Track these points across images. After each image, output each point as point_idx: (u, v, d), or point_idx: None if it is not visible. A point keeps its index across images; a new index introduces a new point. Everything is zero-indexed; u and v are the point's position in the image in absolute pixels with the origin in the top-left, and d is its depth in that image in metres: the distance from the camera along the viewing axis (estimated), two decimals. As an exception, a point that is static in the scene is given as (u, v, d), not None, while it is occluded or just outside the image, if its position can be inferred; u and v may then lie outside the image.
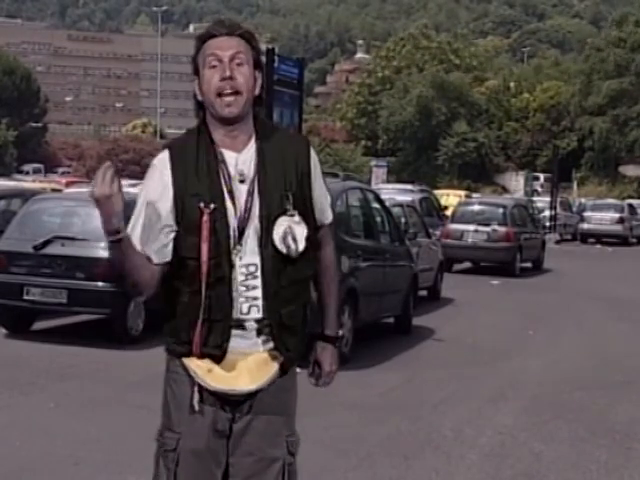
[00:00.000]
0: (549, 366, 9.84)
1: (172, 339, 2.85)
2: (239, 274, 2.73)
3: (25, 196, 13.00)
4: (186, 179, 2.72)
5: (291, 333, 2.82)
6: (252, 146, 2.79)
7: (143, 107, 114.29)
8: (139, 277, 2.74)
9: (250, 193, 2.74)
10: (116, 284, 9.80)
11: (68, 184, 29.04)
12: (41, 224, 10.44)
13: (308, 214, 2.81)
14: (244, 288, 2.74)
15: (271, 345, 2.80)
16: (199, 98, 2.79)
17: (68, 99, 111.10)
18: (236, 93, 2.72)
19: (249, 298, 2.75)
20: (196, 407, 2.80)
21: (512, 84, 75.24)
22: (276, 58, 13.68)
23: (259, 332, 2.78)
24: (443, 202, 26.65)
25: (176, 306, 2.81)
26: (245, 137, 2.79)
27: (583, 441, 6.78)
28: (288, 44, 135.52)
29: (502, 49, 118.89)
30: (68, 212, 10.65)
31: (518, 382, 8.96)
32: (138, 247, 2.72)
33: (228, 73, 2.71)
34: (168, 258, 2.75)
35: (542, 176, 57.48)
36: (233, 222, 2.72)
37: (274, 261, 2.74)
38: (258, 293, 2.75)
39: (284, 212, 2.74)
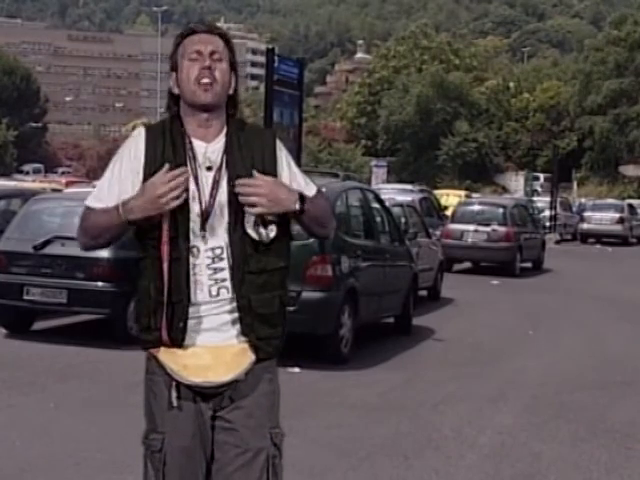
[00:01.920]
0: (549, 366, 9.84)
1: (141, 326, 2.88)
2: (205, 257, 2.80)
3: (25, 196, 13.00)
4: (155, 158, 2.82)
5: (263, 321, 2.84)
6: (222, 138, 2.89)
7: (143, 107, 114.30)
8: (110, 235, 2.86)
9: (216, 180, 2.83)
10: (116, 284, 9.81)
11: (68, 184, 29.03)
12: (41, 224, 10.44)
13: None
14: (212, 271, 2.81)
15: (243, 335, 2.83)
16: (175, 91, 2.90)
17: (68, 99, 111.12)
18: (214, 82, 2.84)
19: (218, 280, 2.81)
20: (174, 403, 2.83)
21: (512, 84, 75.24)
22: (276, 58, 13.66)
23: (233, 322, 2.82)
24: (443, 202, 26.66)
25: (143, 290, 2.86)
26: (216, 129, 2.89)
27: (583, 441, 6.78)
28: (288, 44, 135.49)
29: (502, 49, 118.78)
30: (68, 212, 10.63)
31: (518, 382, 8.96)
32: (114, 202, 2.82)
33: (208, 63, 2.84)
34: None
35: (542, 176, 57.44)
36: (196, 207, 2.80)
37: (242, 245, 2.81)
38: (226, 274, 2.81)
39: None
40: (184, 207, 2.76)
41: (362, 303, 9.80)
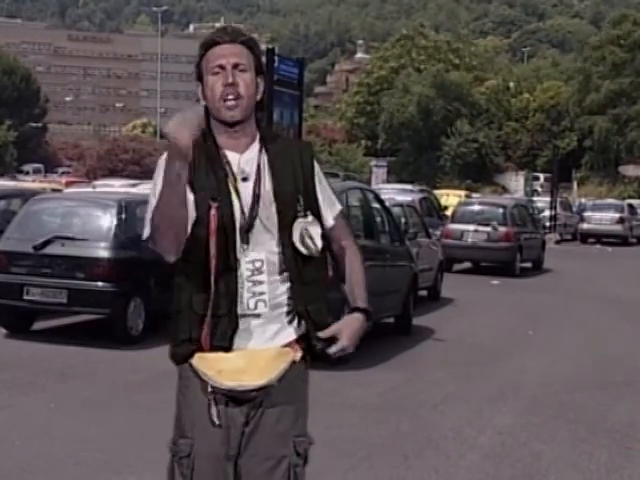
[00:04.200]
0: (549, 366, 9.84)
1: (179, 340, 2.85)
2: (245, 270, 2.79)
3: (25, 196, 13.00)
4: (195, 174, 2.78)
5: (319, 328, 2.91)
6: (255, 147, 2.86)
7: (143, 107, 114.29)
8: (180, 224, 2.72)
9: (255, 192, 2.81)
10: (116, 284, 9.82)
11: (68, 184, 29.02)
12: (41, 224, 10.44)
13: (317, 214, 2.89)
14: (251, 284, 2.80)
15: (281, 340, 2.84)
16: (202, 103, 2.87)
17: (68, 99, 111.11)
18: (238, 98, 2.80)
19: (256, 293, 2.81)
20: (216, 421, 2.82)
21: (512, 84, 75.23)
22: (276, 58, 13.68)
23: (268, 326, 2.83)
24: (443, 202, 26.65)
25: (181, 306, 2.84)
26: (248, 139, 2.86)
27: (583, 441, 6.78)
28: (288, 44, 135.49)
29: (502, 49, 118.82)
30: (68, 212, 10.66)
31: (518, 382, 8.96)
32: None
33: (231, 79, 2.80)
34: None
35: (542, 176, 57.47)
36: (240, 218, 2.78)
37: (294, 258, 2.82)
38: (264, 288, 2.81)
39: (297, 214, 2.81)
40: (229, 217, 2.76)
41: (362, 303, 9.78)
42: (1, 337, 10.32)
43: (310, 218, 2.81)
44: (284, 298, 2.85)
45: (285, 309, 2.85)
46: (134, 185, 25.00)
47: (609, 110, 65.24)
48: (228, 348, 2.79)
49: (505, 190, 65.03)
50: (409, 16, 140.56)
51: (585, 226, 34.20)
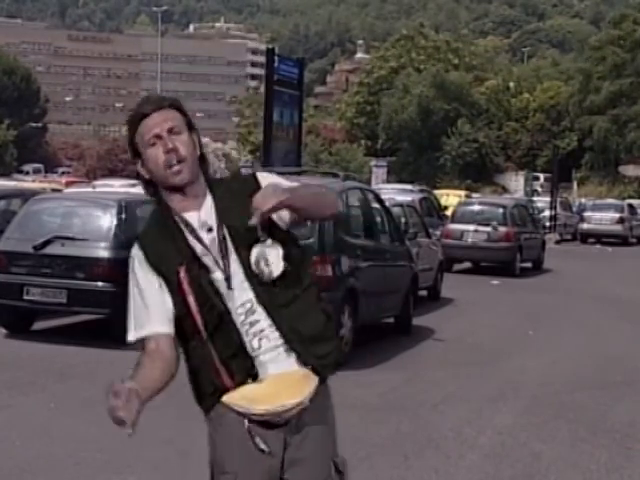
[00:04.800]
0: (549, 366, 9.84)
1: (204, 396, 2.90)
2: (238, 315, 2.80)
3: (25, 196, 13.00)
4: (159, 254, 2.88)
5: (318, 341, 2.87)
6: (208, 200, 2.88)
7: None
8: (169, 376, 2.91)
9: (221, 240, 2.83)
10: (116, 284, 9.81)
11: (68, 184, 29.02)
12: (41, 224, 10.44)
13: (279, 231, 2.85)
14: (248, 326, 2.81)
15: (303, 364, 2.85)
16: (145, 177, 2.89)
17: (68, 99, 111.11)
18: (182, 161, 2.82)
19: (256, 333, 2.81)
20: (264, 448, 2.83)
21: (512, 84, 75.24)
22: (276, 58, 13.69)
23: (287, 354, 2.83)
24: (443, 202, 26.63)
25: (195, 365, 2.89)
26: (199, 194, 2.88)
27: (583, 441, 6.78)
28: (288, 44, 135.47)
29: (502, 49, 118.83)
30: (68, 212, 10.66)
31: (518, 382, 8.96)
32: (149, 331, 2.99)
33: (170, 145, 2.81)
34: (172, 319, 2.89)
35: (542, 176, 57.48)
36: (214, 269, 2.81)
37: (267, 289, 2.81)
38: (263, 325, 2.81)
39: (256, 241, 2.79)
40: (203, 271, 2.79)
41: (362, 303, 9.80)
42: (1, 337, 10.32)
43: (269, 242, 2.78)
44: (272, 332, 2.83)
45: (276, 342, 2.83)
46: (134, 185, 24.99)
47: (609, 110, 65.23)
48: (254, 376, 2.80)
49: (505, 190, 65.04)
50: (409, 16, 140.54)
51: (585, 226, 34.20)
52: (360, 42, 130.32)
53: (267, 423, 2.83)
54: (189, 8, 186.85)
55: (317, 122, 74.18)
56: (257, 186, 2.86)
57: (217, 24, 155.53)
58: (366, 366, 9.24)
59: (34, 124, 75.76)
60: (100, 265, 9.87)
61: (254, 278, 2.78)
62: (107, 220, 10.24)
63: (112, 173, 49.19)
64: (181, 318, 2.85)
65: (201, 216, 2.85)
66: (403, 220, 14.08)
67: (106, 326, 10.19)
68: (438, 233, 18.82)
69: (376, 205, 11.61)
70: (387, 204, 12.33)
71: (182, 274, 2.80)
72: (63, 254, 9.97)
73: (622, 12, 73.15)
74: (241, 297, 2.80)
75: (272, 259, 2.77)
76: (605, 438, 6.87)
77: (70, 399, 7.53)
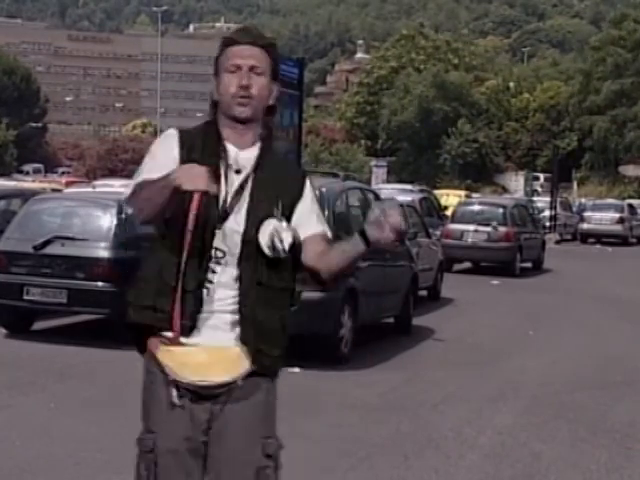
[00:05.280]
0: (549, 366, 9.84)
1: (141, 304, 2.89)
2: (213, 254, 2.81)
3: (25, 196, 13.00)
4: (190, 153, 2.84)
5: (263, 335, 2.84)
6: (255, 148, 2.90)
7: (143, 107, 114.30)
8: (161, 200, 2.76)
9: (242, 185, 2.84)
10: (116, 284, 9.81)
11: (68, 184, 29.02)
12: (41, 224, 10.44)
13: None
14: (211, 272, 2.81)
15: (242, 343, 2.83)
16: (214, 97, 2.92)
17: (68, 99, 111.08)
18: (250, 98, 2.84)
19: (215, 281, 2.81)
20: (176, 401, 2.82)
21: (512, 84, 75.25)
22: (276, 58, 13.66)
23: (233, 325, 2.82)
24: (443, 202, 26.62)
25: (147, 273, 2.88)
26: (250, 139, 2.90)
27: (583, 441, 6.78)
28: (288, 44, 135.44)
29: (502, 49, 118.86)
30: (68, 212, 10.65)
31: (518, 382, 8.96)
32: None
33: (245, 81, 2.83)
34: None
35: (542, 176, 57.46)
36: (221, 204, 2.81)
37: (254, 256, 2.80)
38: (227, 279, 2.81)
39: (272, 215, 2.81)
40: (212, 201, 2.78)
41: (362, 303, 9.80)
42: (1, 337, 10.31)
43: (284, 223, 2.80)
44: (232, 295, 2.82)
45: (230, 308, 2.82)
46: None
47: (609, 110, 65.22)
48: (192, 327, 2.78)
49: (505, 190, 65.04)
50: (409, 16, 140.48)
51: (585, 226, 34.20)
52: (360, 42, 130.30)
53: (193, 392, 2.83)
54: (189, 8, 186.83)
55: (317, 122, 74.24)
56: (300, 190, 2.92)
57: (217, 24, 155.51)
58: (366, 366, 9.24)
59: (34, 124, 75.76)
60: (100, 265, 9.87)
61: (250, 242, 2.79)
62: (107, 220, 10.24)
63: (112, 173, 49.16)
64: (171, 224, 2.80)
65: (239, 155, 2.86)
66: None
67: (106, 326, 10.20)
68: (438, 233, 18.81)
69: (376, 205, 11.58)
70: (387, 204, 12.30)
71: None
72: (63, 254, 9.97)
73: (622, 12, 73.09)
74: (226, 243, 2.80)
75: (285, 238, 2.78)
76: (605, 438, 6.87)
77: (70, 399, 7.53)
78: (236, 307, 2.81)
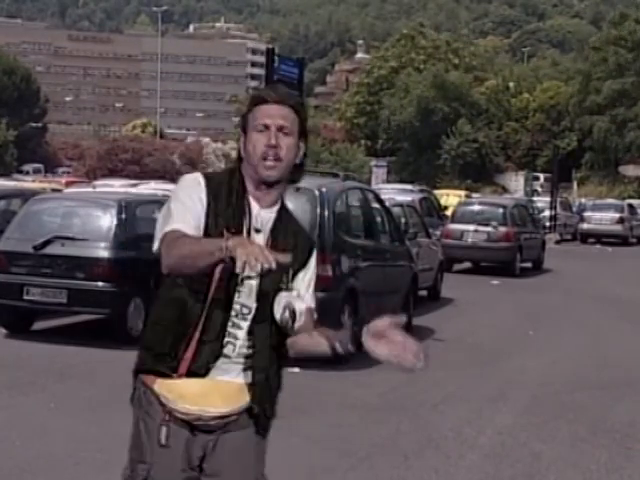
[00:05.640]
0: (549, 366, 9.84)
1: (156, 352, 2.86)
2: (233, 307, 2.81)
3: (25, 196, 13.00)
4: (217, 203, 2.81)
5: (270, 392, 2.90)
6: (275, 209, 2.89)
7: (143, 107, 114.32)
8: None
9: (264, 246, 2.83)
10: (116, 284, 9.81)
11: (68, 184, 29.03)
12: (41, 224, 10.44)
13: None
14: (231, 324, 2.82)
15: (252, 402, 2.85)
16: (241, 154, 2.89)
17: (68, 99, 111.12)
18: (278, 160, 2.82)
19: (231, 334, 2.82)
20: (162, 441, 2.82)
21: (512, 84, 75.25)
22: (276, 58, 13.69)
23: (240, 373, 2.84)
24: (443, 202, 26.64)
25: (165, 318, 2.85)
26: (272, 198, 2.89)
27: (583, 441, 6.78)
28: (288, 44, 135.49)
29: (502, 49, 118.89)
30: (68, 212, 10.66)
31: (518, 382, 8.96)
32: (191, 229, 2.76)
33: (274, 141, 2.81)
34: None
35: (542, 176, 57.46)
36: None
37: (267, 320, 2.82)
38: (240, 334, 2.82)
39: (280, 286, 2.82)
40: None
41: (362, 303, 9.80)
42: (1, 337, 10.31)
43: (295, 293, 2.82)
44: (247, 354, 2.84)
45: (243, 365, 2.84)
46: (134, 185, 25.01)
47: (609, 110, 65.23)
48: (204, 375, 2.80)
49: (505, 190, 65.04)
50: (409, 16, 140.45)
51: (585, 226, 34.19)
52: (360, 42, 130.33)
53: (189, 424, 2.83)
54: (189, 8, 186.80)
55: (317, 122, 74.19)
56: (308, 258, 2.95)
57: (217, 24, 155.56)
58: (366, 366, 9.21)
59: (34, 124, 75.74)
60: (100, 265, 9.87)
61: (264, 305, 2.80)
62: (107, 220, 10.24)
63: (112, 173, 49.10)
64: (199, 275, 2.77)
65: (260, 214, 2.85)
66: (403, 220, 14.07)
67: (106, 326, 10.20)
68: (438, 233, 18.81)
69: (376, 205, 11.60)
70: (387, 204, 12.32)
71: (226, 235, 2.73)
72: (63, 254, 9.97)
73: (622, 11, 73.01)
74: (244, 299, 2.81)
75: (297, 310, 2.78)
76: (605, 438, 6.87)
77: (70, 399, 7.53)
78: (250, 364, 2.83)
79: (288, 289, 2.83)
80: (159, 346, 2.84)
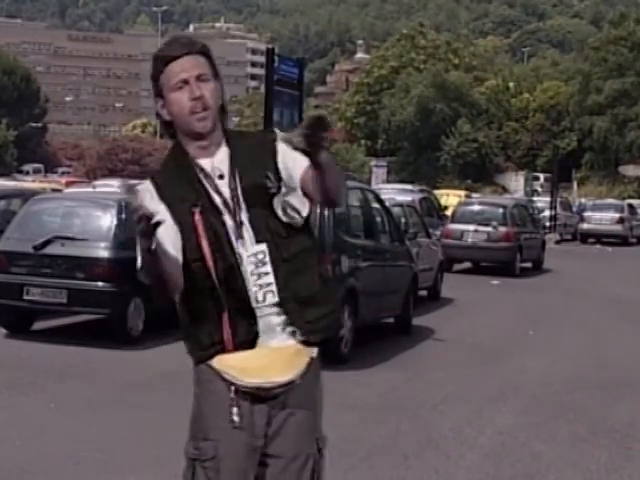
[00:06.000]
0: (549, 366, 9.84)
1: (199, 346, 2.87)
2: (249, 264, 2.80)
3: (25, 196, 13.00)
4: (171, 191, 2.83)
5: (309, 304, 2.86)
6: (223, 149, 2.88)
7: (143, 107, 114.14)
8: (171, 276, 2.75)
9: (233, 188, 2.83)
10: (116, 284, 9.81)
11: (68, 184, 29.04)
12: (41, 224, 10.44)
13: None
14: (256, 277, 2.81)
15: (295, 333, 2.83)
16: (166, 118, 2.87)
17: (68, 99, 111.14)
18: (206, 109, 2.82)
19: (263, 285, 2.81)
20: (236, 422, 2.82)
21: (512, 84, 75.24)
22: (276, 58, 13.67)
23: (283, 323, 2.83)
24: (443, 202, 26.62)
25: (196, 313, 2.85)
26: (216, 142, 2.88)
27: (583, 441, 6.78)
28: (288, 44, 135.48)
29: (502, 49, 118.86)
30: (68, 212, 10.66)
31: (518, 382, 8.96)
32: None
33: (198, 93, 2.80)
34: (181, 251, 2.81)
35: (542, 176, 57.47)
36: (227, 216, 2.81)
37: (275, 241, 2.82)
38: (270, 279, 2.81)
39: (270, 191, 2.81)
40: (217, 217, 2.79)
41: (362, 303, 9.80)
42: (1, 337, 10.32)
43: (283, 190, 2.81)
44: (270, 287, 2.83)
45: (272, 300, 2.83)
46: (134, 185, 24.95)
47: (609, 110, 65.23)
48: (253, 343, 2.80)
49: (505, 190, 65.04)
50: (409, 16, 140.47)
51: (585, 226, 34.19)
52: (360, 42, 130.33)
53: (254, 396, 2.84)
54: (189, 8, 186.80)
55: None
56: (274, 151, 2.88)
57: (217, 24, 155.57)
58: (366, 366, 9.24)
59: (34, 124, 75.76)
60: (100, 265, 9.87)
61: (267, 231, 2.80)
62: (107, 220, 10.24)
63: (112, 173, 49.15)
64: (192, 262, 2.80)
65: (214, 162, 2.85)
66: (403, 220, 14.07)
67: (106, 326, 10.20)
68: (438, 233, 18.81)
69: (376, 205, 11.60)
70: (387, 204, 12.32)
71: (197, 216, 2.79)
72: (63, 254, 9.97)
73: (622, 11, 72.97)
74: (253, 247, 2.80)
75: (296, 203, 2.81)
76: (605, 438, 6.86)
77: (70, 399, 7.53)
78: (277, 298, 2.81)
79: (278, 190, 2.81)
80: (198, 338, 2.85)
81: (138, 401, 7.41)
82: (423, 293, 14.42)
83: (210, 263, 2.78)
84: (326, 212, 9.47)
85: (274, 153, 2.89)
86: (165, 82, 2.82)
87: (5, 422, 6.80)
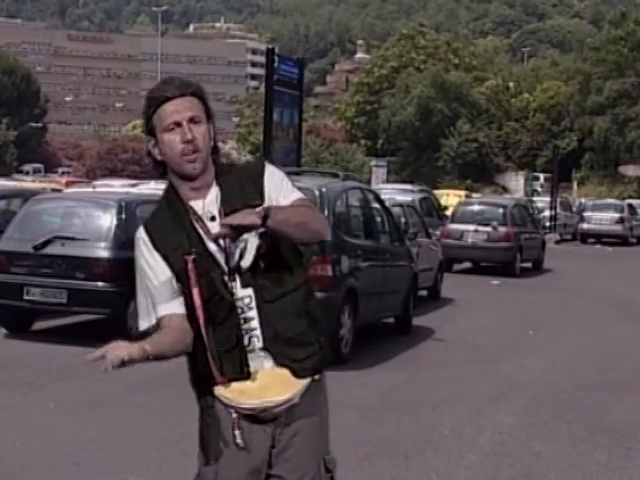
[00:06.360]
0: (549, 366, 9.84)
1: (197, 381, 2.93)
2: (239, 307, 2.82)
3: (25, 196, 13.00)
4: (166, 240, 2.84)
5: (295, 344, 2.85)
6: (214, 189, 2.87)
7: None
8: (183, 346, 2.86)
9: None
10: (116, 284, 9.81)
11: (68, 184, 29.04)
12: (41, 224, 10.44)
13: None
14: (243, 321, 2.82)
15: (279, 366, 2.85)
16: (157, 158, 2.87)
17: (68, 99, 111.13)
18: (197, 151, 2.81)
19: (248, 330, 2.82)
20: (241, 444, 2.84)
21: (512, 84, 75.26)
22: (276, 58, 13.69)
23: (273, 367, 2.85)
24: (443, 202, 26.64)
25: (194, 352, 2.89)
26: (207, 183, 2.87)
27: (583, 441, 6.78)
28: (288, 44, 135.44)
29: (502, 49, 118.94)
30: (68, 212, 10.65)
31: (518, 382, 8.96)
32: (159, 314, 2.85)
33: (189, 136, 2.79)
34: (181, 299, 2.86)
35: (542, 176, 57.47)
36: (220, 259, 2.81)
37: (262, 284, 2.82)
38: (255, 324, 2.82)
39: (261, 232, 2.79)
40: (211, 262, 2.80)
41: (362, 303, 9.80)
42: (1, 337, 10.32)
43: (253, 232, 2.76)
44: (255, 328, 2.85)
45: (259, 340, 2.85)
46: (134, 185, 25.00)
47: (609, 110, 65.23)
48: (246, 375, 2.82)
49: (505, 190, 65.08)
50: (409, 16, 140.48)
51: (585, 226, 34.19)
52: (360, 42, 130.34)
53: (255, 417, 2.84)
54: (189, 8, 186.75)
55: (317, 122, 74.19)
56: (261, 177, 2.87)
57: (217, 24, 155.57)
58: (366, 366, 9.24)
59: (34, 124, 75.78)
60: (100, 265, 9.87)
61: (255, 274, 2.79)
62: (107, 220, 10.24)
63: (112, 173, 49.14)
64: (188, 311, 2.85)
65: (205, 204, 2.84)
66: (403, 220, 14.07)
67: (106, 326, 10.20)
68: (438, 233, 18.81)
69: (376, 205, 11.60)
70: (387, 204, 12.32)
71: (190, 265, 2.79)
72: (63, 254, 9.97)
73: (622, 11, 72.92)
74: (241, 291, 2.80)
75: (249, 247, 2.76)
76: (605, 438, 6.86)
77: (70, 399, 7.53)
78: (261, 343, 2.82)
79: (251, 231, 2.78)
80: (196, 374, 2.91)
81: (138, 401, 7.41)
82: (423, 293, 14.41)
83: (199, 312, 2.79)
84: (326, 212, 9.48)
85: (261, 188, 2.88)
86: (157, 123, 2.82)
87: (5, 422, 6.80)
